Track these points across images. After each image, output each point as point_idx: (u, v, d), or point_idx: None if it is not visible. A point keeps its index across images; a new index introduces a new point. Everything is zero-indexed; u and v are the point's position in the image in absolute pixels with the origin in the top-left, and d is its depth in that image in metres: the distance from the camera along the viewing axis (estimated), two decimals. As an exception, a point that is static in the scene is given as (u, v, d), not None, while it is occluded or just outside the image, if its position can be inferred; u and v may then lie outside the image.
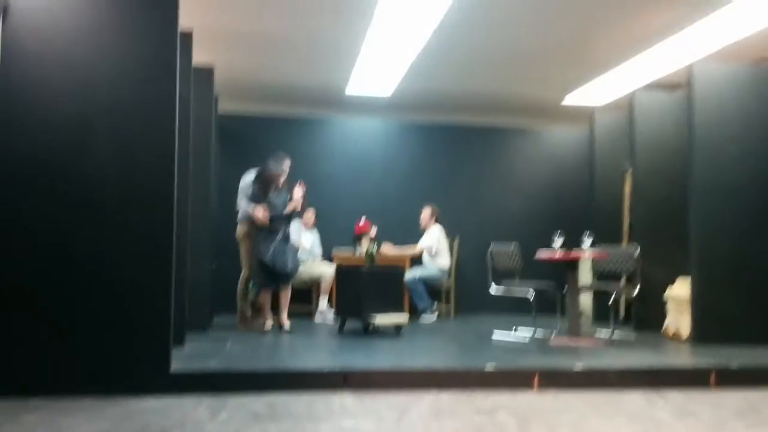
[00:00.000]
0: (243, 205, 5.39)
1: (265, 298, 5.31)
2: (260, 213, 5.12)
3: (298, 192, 5.33)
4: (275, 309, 5.37)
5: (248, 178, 5.50)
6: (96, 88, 3.44)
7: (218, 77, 5.59)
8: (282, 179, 5.31)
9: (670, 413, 3.17)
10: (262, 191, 5.22)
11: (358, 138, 7.30)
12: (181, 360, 3.72)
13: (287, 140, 6.83)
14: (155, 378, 3.43)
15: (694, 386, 3.72)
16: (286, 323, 5.30)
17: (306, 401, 3.29)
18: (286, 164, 5.33)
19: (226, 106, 6.61)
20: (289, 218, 5.31)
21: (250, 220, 5.26)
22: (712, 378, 3.75)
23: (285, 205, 5.25)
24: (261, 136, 6.93)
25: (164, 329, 3.49)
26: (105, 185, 3.47)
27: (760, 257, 4.76)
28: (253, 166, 5.58)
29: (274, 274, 5.13)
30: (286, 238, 5.26)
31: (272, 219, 5.15)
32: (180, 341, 4.20)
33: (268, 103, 7.10)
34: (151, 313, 3.48)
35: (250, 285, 5.44)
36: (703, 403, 3.38)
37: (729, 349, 4.46)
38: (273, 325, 5.32)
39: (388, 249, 6.59)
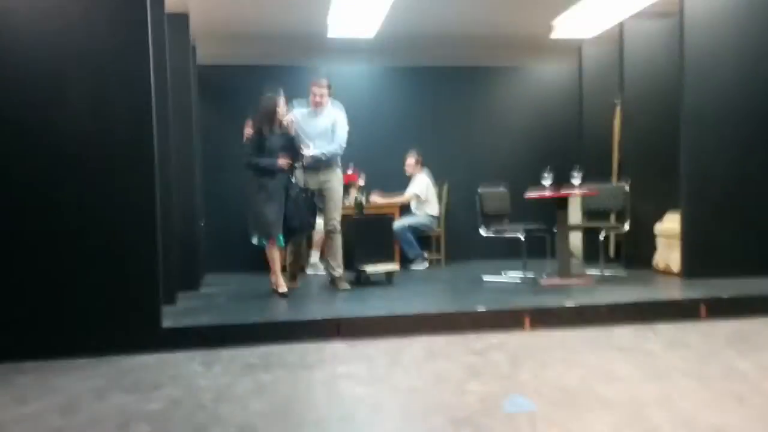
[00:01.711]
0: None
1: (276, 253, 4.66)
2: (284, 163, 4.59)
3: (290, 119, 4.71)
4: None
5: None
6: (68, 37, 3.32)
7: (194, 24, 5.36)
8: (279, 116, 4.66)
9: (662, 345, 3.20)
10: (257, 133, 4.59)
11: (343, 84, 7.07)
12: (172, 317, 3.69)
13: (267, 88, 6.64)
14: (147, 335, 3.41)
15: (684, 319, 3.74)
16: (282, 287, 4.63)
17: (299, 351, 3.29)
18: (281, 100, 4.68)
19: (204, 55, 6.39)
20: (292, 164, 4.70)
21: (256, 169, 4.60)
22: (703, 309, 3.78)
23: (284, 149, 4.63)
24: (243, 86, 6.71)
25: (153, 286, 3.45)
26: (82, 140, 3.37)
27: (749, 186, 4.72)
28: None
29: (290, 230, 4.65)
30: (300, 188, 4.72)
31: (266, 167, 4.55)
32: (171, 299, 4.17)
33: (248, 51, 6.86)
34: (139, 271, 3.43)
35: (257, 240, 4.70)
36: (694, 334, 3.41)
37: (719, 281, 4.48)
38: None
39: (377, 198, 6.53)
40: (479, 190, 5.46)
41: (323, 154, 4.77)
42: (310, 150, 4.74)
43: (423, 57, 7.25)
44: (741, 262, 4.72)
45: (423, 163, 6.64)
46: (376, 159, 6.89)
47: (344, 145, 4.90)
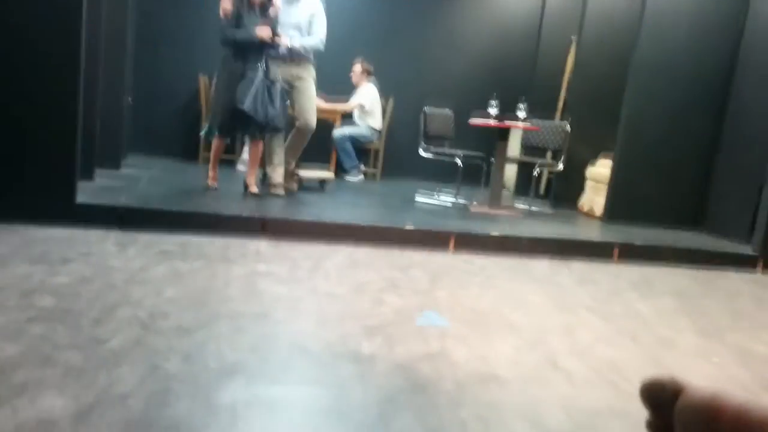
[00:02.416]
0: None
1: (219, 148, 4.35)
2: (265, 32, 4.03)
3: (275, 10, 4.17)
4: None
5: None
6: None
7: None
8: None
9: (573, 280, 3.36)
10: (234, 14, 4.06)
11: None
12: (89, 193, 3.51)
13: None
14: (59, 208, 3.23)
15: (598, 259, 3.93)
16: (254, 186, 4.35)
17: (220, 244, 3.22)
18: None
19: None
20: (261, 49, 4.13)
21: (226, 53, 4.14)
22: (616, 252, 3.98)
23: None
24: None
25: (69, 157, 3.25)
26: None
27: (678, 144, 4.89)
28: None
29: (251, 123, 4.10)
30: (269, 78, 4.12)
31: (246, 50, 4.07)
32: (89, 175, 3.96)
33: None
34: (56, 139, 3.21)
35: (205, 130, 4.35)
36: (604, 274, 3.60)
37: (636, 227, 4.71)
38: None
39: (320, 101, 6.32)
40: (425, 110, 5.39)
41: (303, 47, 4.34)
42: (288, 41, 4.27)
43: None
44: (659, 212, 4.96)
45: (371, 73, 6.44)
46: (322, 62, 6.62)
47: (325, 41, 4.45)
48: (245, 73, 4.05)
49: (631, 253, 4.00)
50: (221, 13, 4.10)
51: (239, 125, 4.19)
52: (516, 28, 7.17)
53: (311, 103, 4.46)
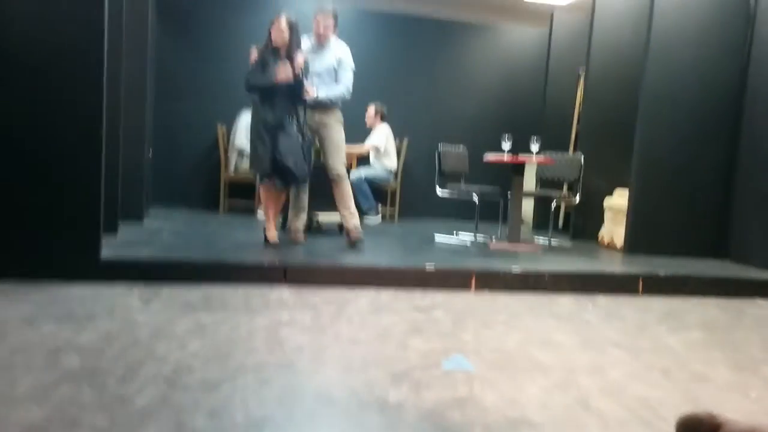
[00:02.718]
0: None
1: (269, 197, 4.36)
2: (284, 73, 4.00)
3: (300, 58, 4.11)
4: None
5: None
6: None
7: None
8: (279, 42, 4.07)
9: (599, 315, 3.30)
10: (259, 62, 4.10)
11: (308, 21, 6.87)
12: (112, 248, 3.57)
13: (232, 19, 6.35)
14: (84, 264, 3.28)
15: (623, 292, 3.87)
16: (273, 233, 4.34)
17: (243, 294, 3.24)
18: (282, 23, 4.06)
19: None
20: (291, 98, 4.13)
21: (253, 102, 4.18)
22: (641, 285, 3.91)
23: (288, 86, 4.09)
24: (204, 11, 6.42)
25: (93, 214, 3.31)
26: (25, 54, 3.15)
27: (695, 170, 4.87)
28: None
29: (286, 176, 4.16)
30: (301, 133, 4.16)
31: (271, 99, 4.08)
32: (112, 229, 4.03)
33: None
34: (80, 196, 3.28)
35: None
36: (630, 308, 3.54)
37: (659, 259, 4.64)
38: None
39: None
40: (440, 147, 5.43)
41: (328, 98, 4.30)
42: (315, 91, 4.24)
43: (393, 3, 7.06)
44: (680, 242, 4.90)
45: (385, 117, 6.53)
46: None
47: (351, 89, 4.38)
48: (283, 125, 4.07)
49: (657, 285, 3.93)
50: (251, 62, 4.15)
51: (276, 175, 4.17)
52: (524, 65, 7.28)
53: (338, 150, 4.37)
